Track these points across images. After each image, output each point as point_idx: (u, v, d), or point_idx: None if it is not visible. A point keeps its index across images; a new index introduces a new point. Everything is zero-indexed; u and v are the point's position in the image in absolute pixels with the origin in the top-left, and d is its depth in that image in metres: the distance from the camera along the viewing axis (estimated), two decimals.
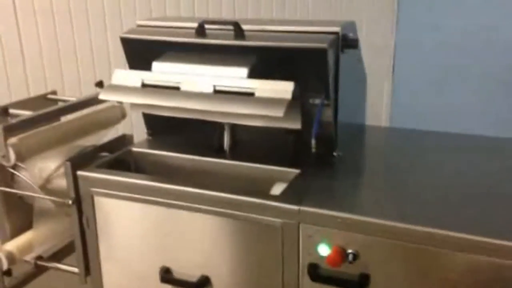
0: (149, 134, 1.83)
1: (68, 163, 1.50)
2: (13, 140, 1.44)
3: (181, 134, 1.84)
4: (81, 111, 1.79)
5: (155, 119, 1.72)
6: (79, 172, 1.51)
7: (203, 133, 1.84)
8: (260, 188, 1.54)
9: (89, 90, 2.54)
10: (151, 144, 1.77)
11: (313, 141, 1.70)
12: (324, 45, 1.37)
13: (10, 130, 1.44)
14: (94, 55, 2.54)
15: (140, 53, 1.64)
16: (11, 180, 1.68)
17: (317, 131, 1.56)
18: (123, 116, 1.87)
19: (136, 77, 1.54)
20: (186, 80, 1.48)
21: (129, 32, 1.64)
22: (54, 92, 1.90)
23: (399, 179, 1.44)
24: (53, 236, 1.72)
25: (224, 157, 1.64)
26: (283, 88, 1.38)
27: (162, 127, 1.82)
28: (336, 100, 1.49)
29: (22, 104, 1.77)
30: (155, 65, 1.56)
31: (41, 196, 1.58)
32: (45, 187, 1.63)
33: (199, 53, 1.55)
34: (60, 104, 1.66)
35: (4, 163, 1.46)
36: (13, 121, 1.46)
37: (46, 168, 1.61)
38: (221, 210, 1.36)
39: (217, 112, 1.43)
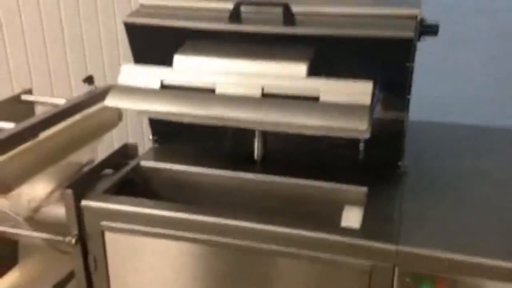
0: (155, 141, 1.49)
1: (69, 192, 1.14)
2: None
3: (193, 140, 1.50)
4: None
5: (163, 124, 1.37)
6: (84, 202, 1.16)
7: (221, 139, 1.52)
8: (313, 211, 1.25)
9: (61, 86, 2.14)
10: (161, 155, 1.43)
11: (361, 146, 1.43)
12: (410, 34, 1.07)
13: None
14: (66, 41, 2.10)
15: (150, 43, 1.28)
16: None
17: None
18: (120, 118, 1.51)
19: (152, 75, 1.19)
20: (223, 80, 1.14)
21: (135, 14, 1.27)
22: (28, 91, 1.50)
23: (496, 198, 1.18)
24: (42, 277, 1.36)
25: (258, 171, 1.33)
26: (358, 90, 1.07)
27: (170, 133, 1.48)
28: (409, 97, 1.20)
29: None
30: (178, 59, 1.20)
31: (33, 234, 1.21)
32: (32, 219, 1.26)
33: (233, 43, 1.21)
34: (47, 111, 1.28)
35: None
36: None
37: (34, 196, 1.24)
38: (283, 249, 1.06)
39: (268, 122, 1.10)
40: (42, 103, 1.49)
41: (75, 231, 1.17)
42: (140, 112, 1.24)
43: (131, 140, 2.05)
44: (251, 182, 1.31)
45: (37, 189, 1.23)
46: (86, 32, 2.06)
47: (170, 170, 1.36)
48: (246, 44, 1.19)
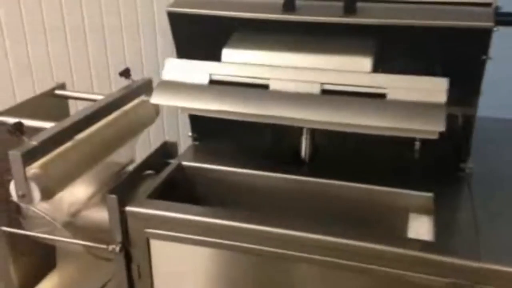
0: (194, 138, 1.40)
1: (114, 197, 1.06)
2: (35, 170, 0.98)
3: (233, 137, 1.41)
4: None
5: (204, 121, 1.27)
6: (129, 208, 1.08)
7: (263, 135, 1.42)
8: (370, 219, 1.16)
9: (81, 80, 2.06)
10: (202, 154, 1.34)
11: (417, 144, 1.33)
12: (489, 24, 0.96)
13: (31, 157, 0.98)
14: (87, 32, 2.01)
15: (194, 35, 1.19)
16: (16, 213, 1.21)
17: None
18: (157, 113, 1.42)
19: (200, 70, 1.09)
20: (277, 76, 1.05)
21: (179, 3, 1.18)
22: (62, 86, 1.42)
23: None
24: (81, 283, 1.29)
25: (307, 172, 1.23)
26: (431, 87, 0.97)
27: (210, 130, 1.39)
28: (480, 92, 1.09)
29: (22, 108, 1.28)
30: (227, 52, 1.11)
31: (74, 241, 1.13)
32: (70, 223, 1.19)
33: (287, 35, 1.11)
34: (85, 109, 1.19)
35: (24, 204, 1.00)
36: (33, 142, 0.99)
37: (74, 200, 1.16)
38: (345, 263, 0.97)
39: (329, 122, 1.01)
40: (76, 98, 1.40)
41: (119, 238, 1.09)
42: (185, 110, 1.15)
43: (152, 137, 1.99)
44: (300, 185, 1.22)
45: (77, 192, 1.15)
46: (107, 23, 1.98)
47: (213, 171, 1.27)
48: (301, 36, 1.10)
